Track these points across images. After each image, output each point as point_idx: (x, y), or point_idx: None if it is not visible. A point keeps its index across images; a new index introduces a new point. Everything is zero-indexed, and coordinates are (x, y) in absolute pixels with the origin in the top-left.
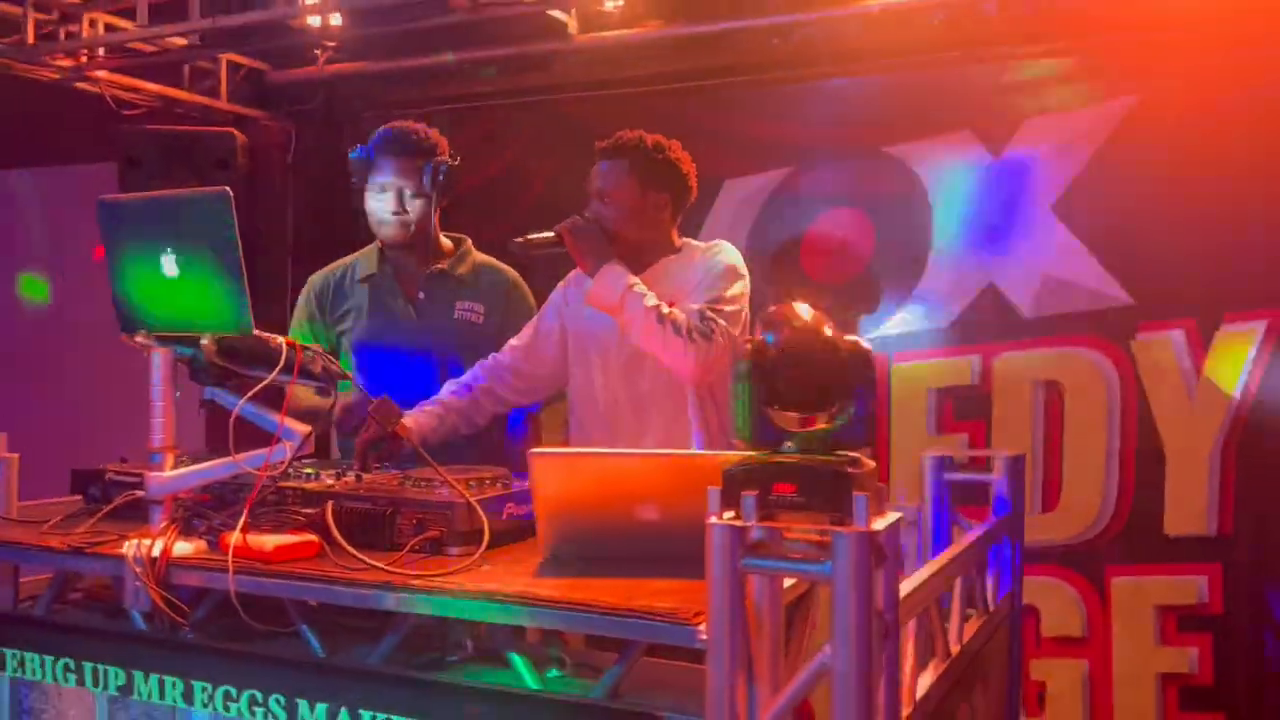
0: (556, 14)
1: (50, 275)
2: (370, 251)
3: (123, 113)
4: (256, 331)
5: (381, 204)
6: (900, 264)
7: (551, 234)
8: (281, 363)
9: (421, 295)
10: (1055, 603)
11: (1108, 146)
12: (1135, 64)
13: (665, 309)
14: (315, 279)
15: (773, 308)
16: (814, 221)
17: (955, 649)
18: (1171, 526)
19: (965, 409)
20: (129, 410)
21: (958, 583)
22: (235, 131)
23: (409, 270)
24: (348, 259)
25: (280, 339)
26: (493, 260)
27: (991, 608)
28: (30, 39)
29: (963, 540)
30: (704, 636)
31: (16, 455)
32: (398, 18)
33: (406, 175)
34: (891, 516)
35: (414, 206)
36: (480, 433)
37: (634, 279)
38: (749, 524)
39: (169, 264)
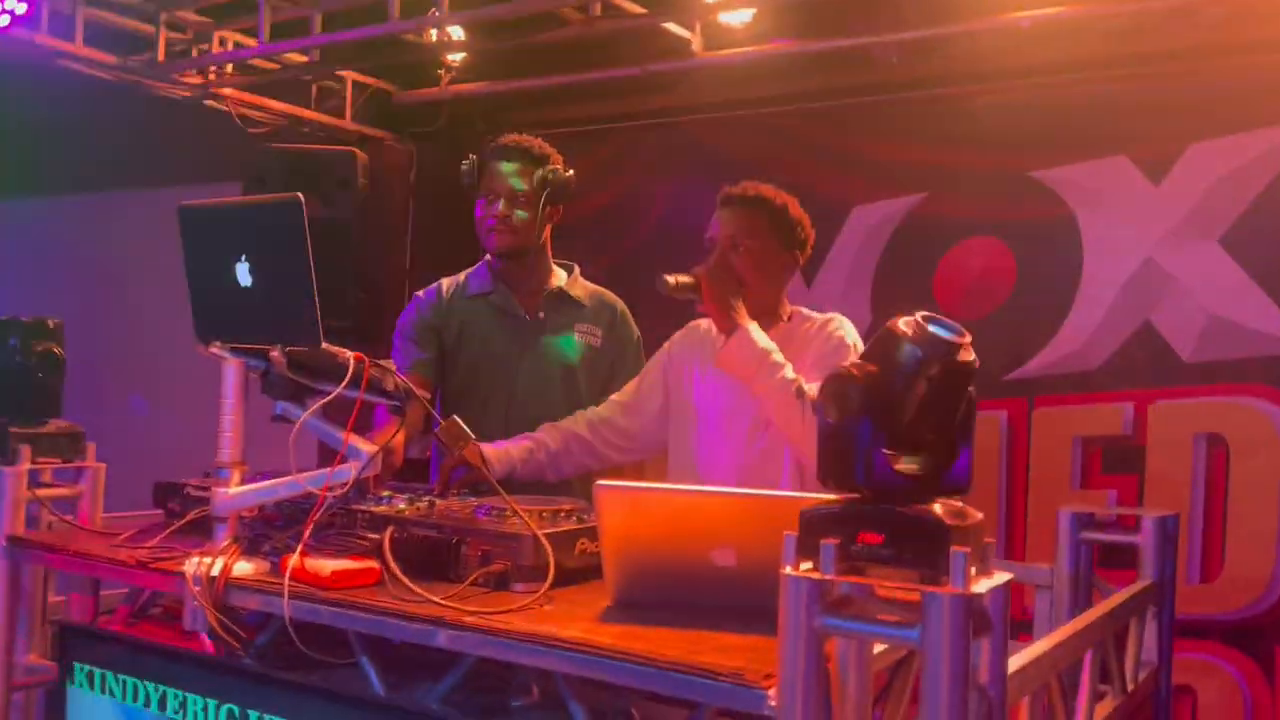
0: (676, 29)
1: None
2: (479, 269)
3: (249, 131)
4: (326, 345)
5: (489, 210)
6: (1045, 299)
7: (691, 280)
8: (349, 377)
9: (541, 314)
10: (1214, 685)
11: None
12: None
13: (804, 384)
14: (420, 297)
15: (880, 333)
16: (950, 251)
17: None
18: None
19: (1115, 462)
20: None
21: (1088, 656)
22: (357, 151)
23: (525, 287)
24: (448, 280)
25: (349, 354)
26: (600, 288)
27: (1131, 687)
28: (161, 56)
29: (1099, 608)
30: (774, 703)
31: (103, 465)
32: (514, 33)
33: (515, 182)
34: (1000, 578)
35: (522, 214)
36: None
37: (773, 345)
38: (827, 576)
39: (243, 272)
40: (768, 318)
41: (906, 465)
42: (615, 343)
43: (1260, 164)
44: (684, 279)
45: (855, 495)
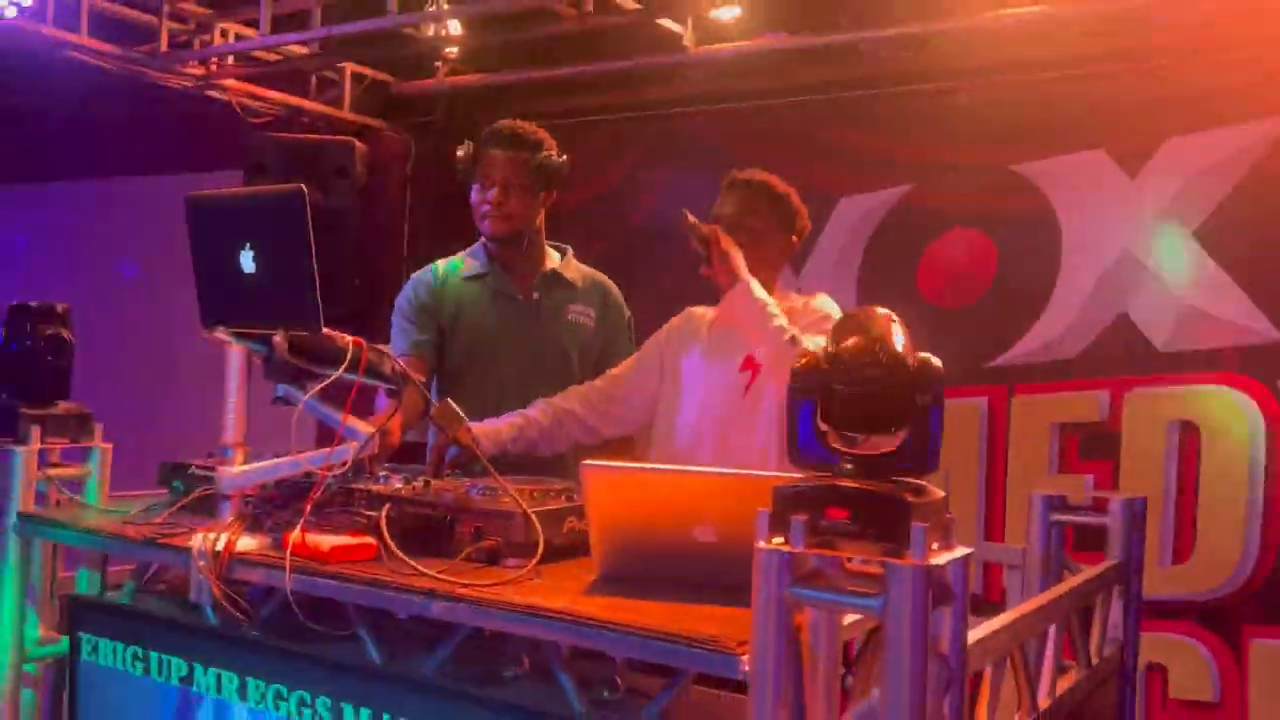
0: (669, 24)
1: (174, 277)
2: (475, 251)
3: (250, 121)
4: (326, 330)
5: (485, 196)
6: (1025, 289)
7: (706, 229)
8: (348, 361)
9: (536, 295)
10: (1185, 663)
11: (1257, 169)
12: None
13: (796, 333)
14: (416, 277)
15: (845, 313)
16: (933, 242)
17: (1045, 702)
18: None
19: (1091, 448)
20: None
21: (1051, 631)
22: (355, 141)
23: (520, 269)
24: (443, 261)
25: (349, 338)
26: (593, 270)
27: (1095, 661)
28: (164, 47)
29: (1063, 585)
30: (746, 668)
31: (110, 445)
32: (510, 28)
33: (510, 168)
34: (960, 552)
35: (517, 200)
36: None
37: (770, 299)
38: (797, 550)
39: (247, 260)
40: None
41: (880, 446)
42: (608, 323)
43: (1234, 159)
44: (700, 222)
45: (825, 474)
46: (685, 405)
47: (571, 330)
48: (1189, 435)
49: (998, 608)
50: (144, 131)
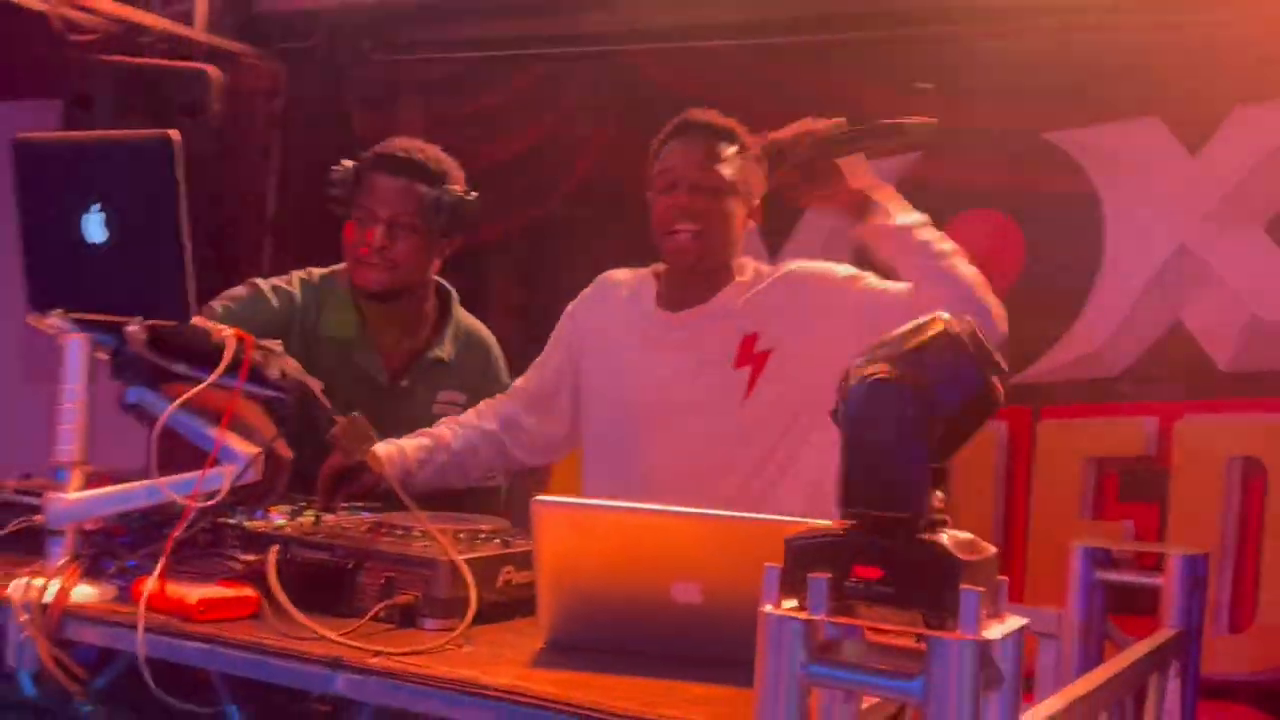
0: None
1: None
2: (339, 298)
3: (72, 39)
4: (198, 320)
5: (363, 235)
6: (1057, 288)
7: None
8: (226, 361)
9: (405, 382)
10: None
11: None
12: None
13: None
14: (258, 292)
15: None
16: (946, 224)
17: None
18: None
19: (1134, 487)
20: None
21: (1103, 718)
22: (210, 69)
23: (393, 337)
24: (294, 287)
25: (228, 331)
26: (471, 324)
27: None
28: None
29: (1116, 662)
30: None
31: None
32: None
33: (401, 202)
34: (1014, 623)
35: (406, 244)
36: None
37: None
38: (816, 617)
39: (95, 226)
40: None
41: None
42: (481, 395)
43: None
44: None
45: (853, 522)
46: (643, 419)
47: (433, 421)
48: (1254, 475)
49: (1026, 685)
50: None
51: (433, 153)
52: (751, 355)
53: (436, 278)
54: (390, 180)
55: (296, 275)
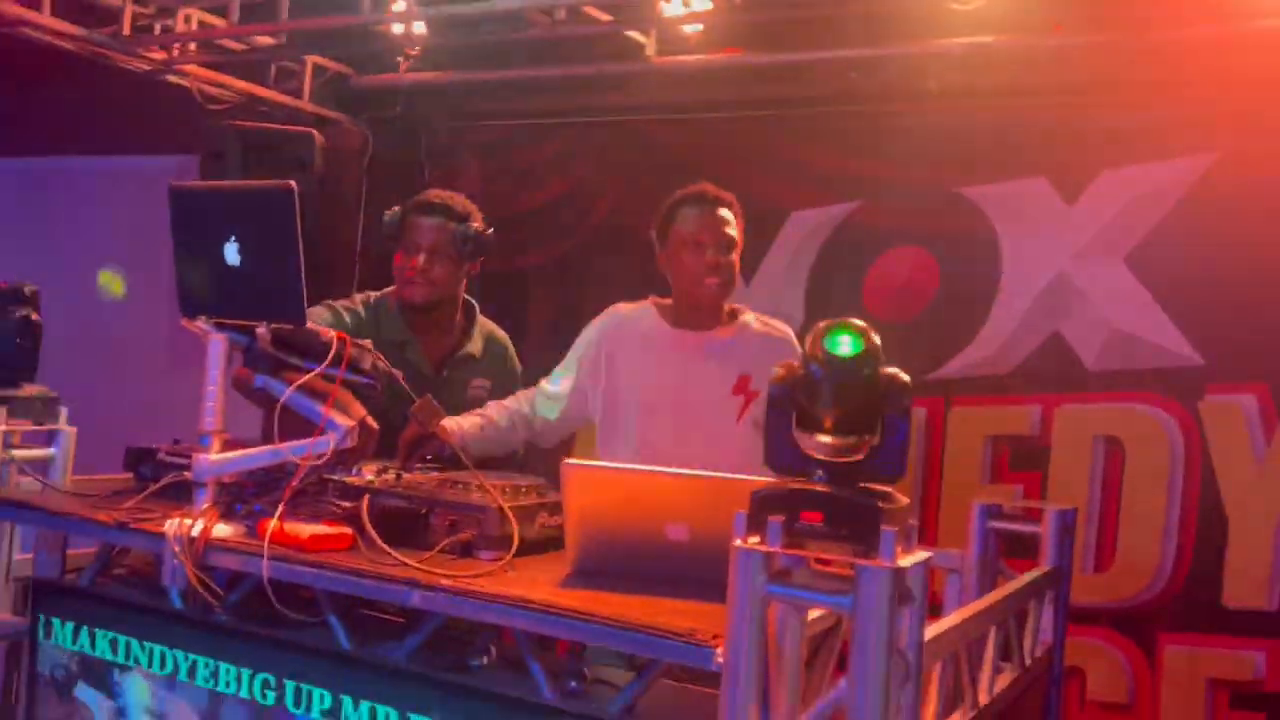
0: (635, 35)
1: (127, 260)
2: (389, 312)
3: (208, 108)
4: (310, 324)
5: (409, 261)
6: (964, 306)
7: None
8: (331, 355)
9: (445, 372)
10: (1102, 666)
11: (1186, 202)
12: (1218, 119)
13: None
14: (342, 306)
15: (821, 325)
16: (879, 258)
17: (984, 699)
18: (1230, 598)
19: (1022, 459)
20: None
21: (992, 632)
22: (315, 132)
23: (433, 340)
24: (357, 305)
25: (332, 332)
26: (491, 328)
27: (1028, 662)
28: (126, 30)
29: (1003, 590)
30: (720, 660)
31: (74, 429)
32: (478, 30)
33: (438, 236)
34: (920, 555)
35: (442, 267)
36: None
37: None
38: (773, 549)
39: (231, 252)
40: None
41: (824, 441)
42: (499, 387)
43: (1164, 192)
44: None
45: (800, 479)
46: (642, 412)
47: (472, 405)
48: (1114, 450)
49: (932, 608)
50: (97, 112)
51: (459, 199)
52: (745, 389)
53: (465, 295)
54: (428, 219)
55: (358, 298)
